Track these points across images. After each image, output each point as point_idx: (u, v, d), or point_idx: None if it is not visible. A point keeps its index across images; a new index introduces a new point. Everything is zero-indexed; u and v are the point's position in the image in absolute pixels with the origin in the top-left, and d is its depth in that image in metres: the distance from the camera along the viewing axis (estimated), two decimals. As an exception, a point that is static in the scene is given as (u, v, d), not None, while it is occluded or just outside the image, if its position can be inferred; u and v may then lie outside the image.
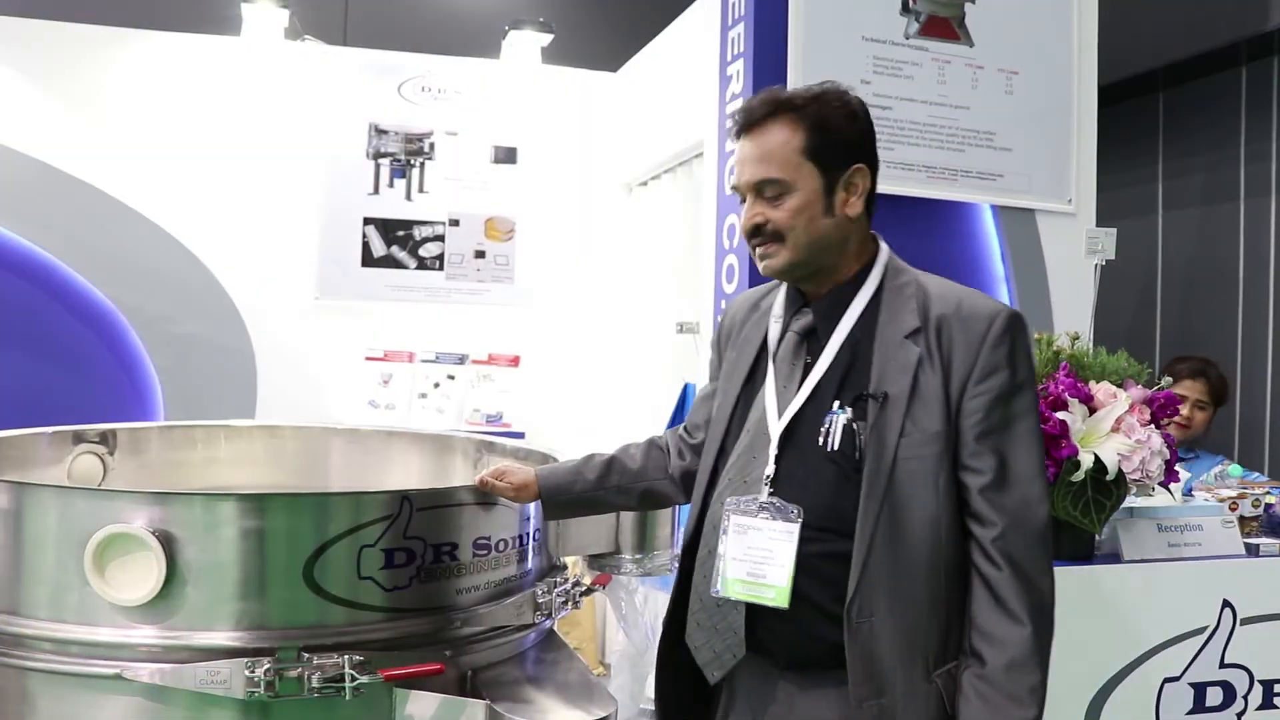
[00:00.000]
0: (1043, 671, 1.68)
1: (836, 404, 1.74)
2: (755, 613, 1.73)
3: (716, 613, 1.77)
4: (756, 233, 1.79)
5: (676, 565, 1.95)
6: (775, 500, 1.73)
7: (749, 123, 1.80)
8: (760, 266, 1.81)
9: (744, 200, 1.82)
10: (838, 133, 1.79)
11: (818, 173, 1.78)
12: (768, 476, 1.75)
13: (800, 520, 1.70)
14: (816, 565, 1.70)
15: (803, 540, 1.69)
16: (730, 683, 1.82)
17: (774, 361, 1.85)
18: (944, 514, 1.70)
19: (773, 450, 1.76)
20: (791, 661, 1.75)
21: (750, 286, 3.42)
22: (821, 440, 1.73)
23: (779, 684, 1.76)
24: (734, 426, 1.88)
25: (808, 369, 1.79)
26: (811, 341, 1.82)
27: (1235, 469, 3.28)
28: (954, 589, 1.71)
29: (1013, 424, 1.72)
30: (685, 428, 2.12)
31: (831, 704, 1.71)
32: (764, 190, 1.78)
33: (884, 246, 1.86)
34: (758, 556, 1.71)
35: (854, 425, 1.71)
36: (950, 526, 1.71)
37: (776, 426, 1.77)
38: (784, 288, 1.91)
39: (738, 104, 3.55)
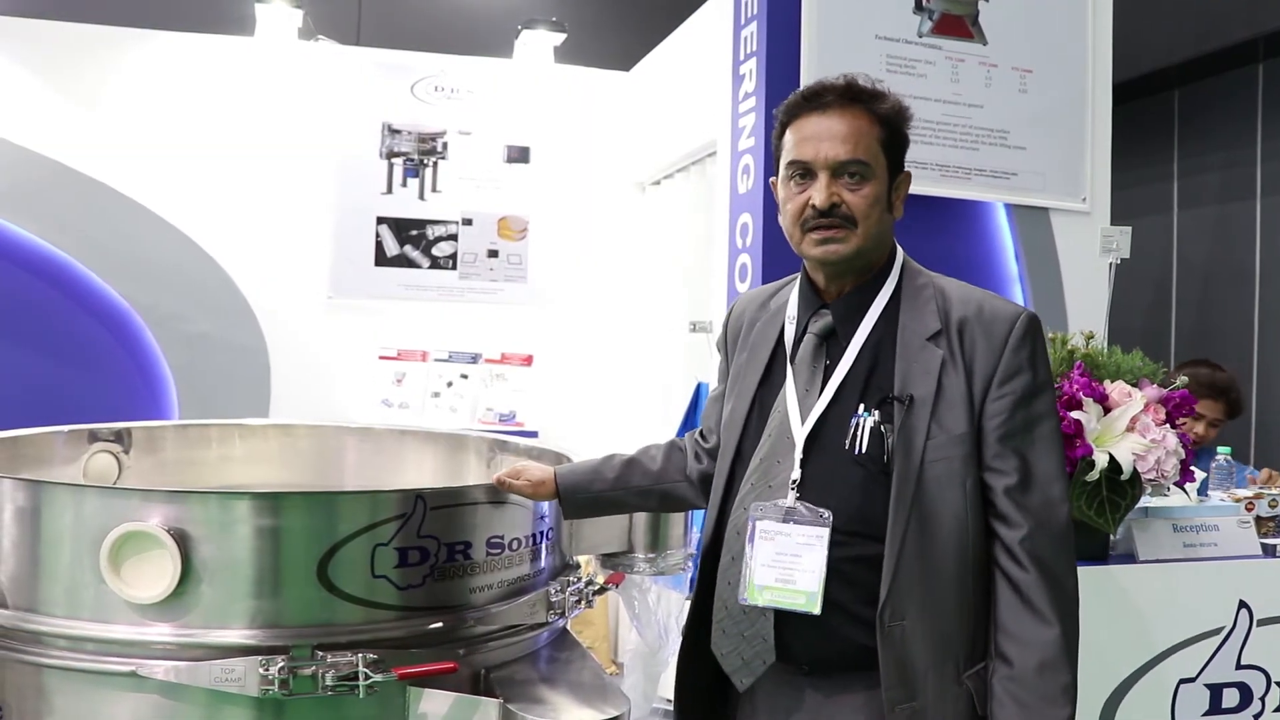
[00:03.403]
0: (1073, 671, 1.67)
1: (862, 406, 1.72)
2: (781, 618, 1.72)
3: (744, 619, 1.75)
4: (829, 213, 1.74)
5: (695, 572, 1.92)
6: (803, 505, 1.71)
7: (826, 102, 1.77)
8: (819, 251, 1.76)
9: (802, 177, 1.77)
10: (903, 135, 1.82)
11: (887, 168, 1.78)
12: (794, 481, 1.73)
13: (830, 524, 1.69)
14: (846, 569, 1.68)
15: (831, 544, 1.68)
16: (750, 689, 1.80)
17: (793, 364, 1.82)
18: (971, 515, 1.70)
19: (798, 454, 1.74)
20: (818, 666, 1.73)
21: (764, 283, 3.42)
22: (848, 443, 1.71)
23: (805, 690, 1.74)
24: (750, 430, 1.84)
25: (828, 371, 1.78)
26: (831, 343, 1.80)
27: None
28: (980, 591, 1.71)
29: (1034, 425, 1.72)
30: (700, 431, 2.10)
31: (859, 709, 1.70)
32: (845, 171, 1.74)
33: (899, 249, 1.86)
34: (786, 562, 1.69)
35: (882, 428, 1.70)
36: (976, 528, 1.71)
37: (801, 431, 1.75)
38: (796, 287, 1.89)
39: (750, 103, 3.57)
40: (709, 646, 1.82)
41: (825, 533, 1.68)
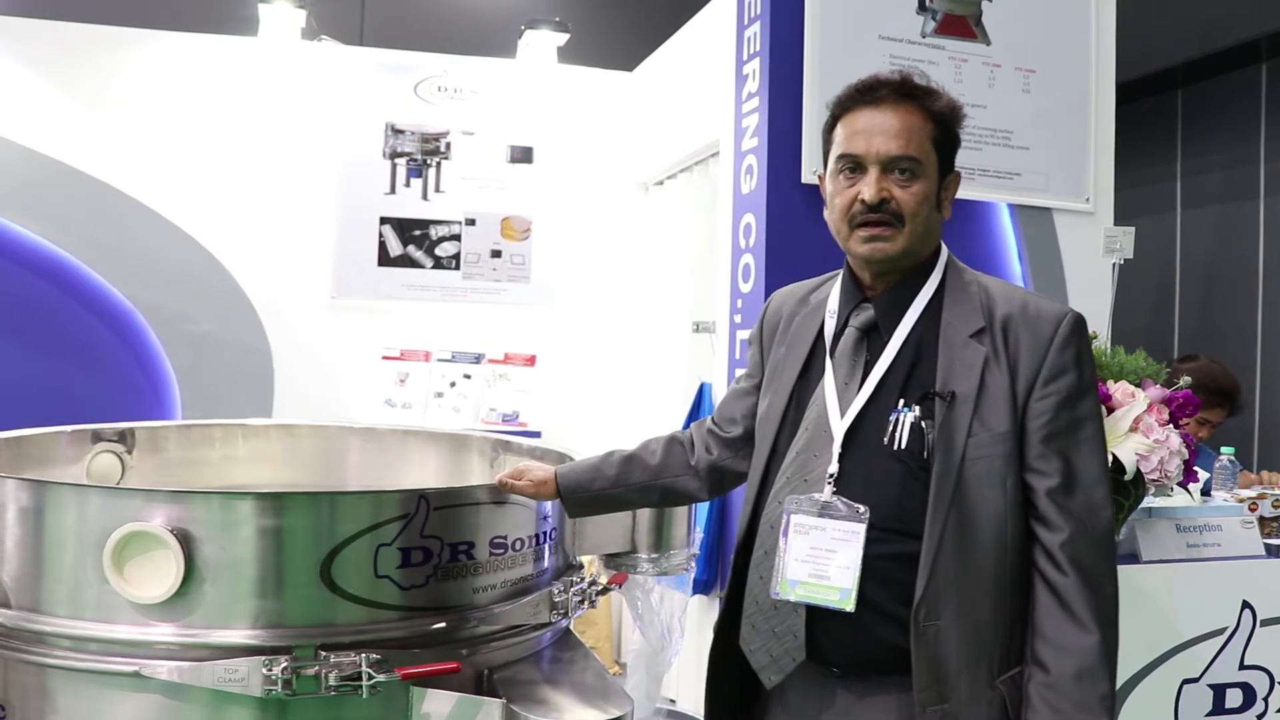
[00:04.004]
0: (1112, 680, 1.65)
1: (902, 402, 1.70)
2: (813, 615, 1.69)
3: (774, 615, 1.73)
4: (878, 208, 1.71)
5: (698, 569, 1.91)
6: (840, 499, 1.68)
7: (880, 96, 1.75)
8: (865, 249, 1.74)
9: (851, 171, 1.74)
10: (955, 135, 1.80)
11: (937, 166, 1.76)
12: (831, 475, 1.70)
13: (867, 520, 1.66)
14: (881, 566, 1.66)
15: (867, 541, 1.65)
16: (779, 688, 1.77)
17: (832, 358, 1.79)
18: (1010, 516, 1.67)
19: (836, 448, 1.71)
20: (849, 666, 1.71)
21: (767, 285, 3.43)
22: (887, 439, 1.69)
23: (836, 691, 1.72)
24: (788, 424, 1.82)
25: (869, 366, 1.75)
26: (872, 338, 1.77)
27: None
28: (1018, 593, 1.68)
29: (1079, 427, 1.69)
30: (715, 421, 2.07)
31: (890, 711, 1.68)
32: (896, 167, 1.72)
33: (944, 246, 1.84)
34: (821, 557, 1.66)
35: (922, 424, 1.67)
36: (1016, 529, 1.68)
37: (839, 425, 1.73)
38: (838, 281, 1.86)
39: (754, 103, 3.56)
40: (739, 643, 1.79)
41: (862, 529, 1.65)
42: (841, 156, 1.76)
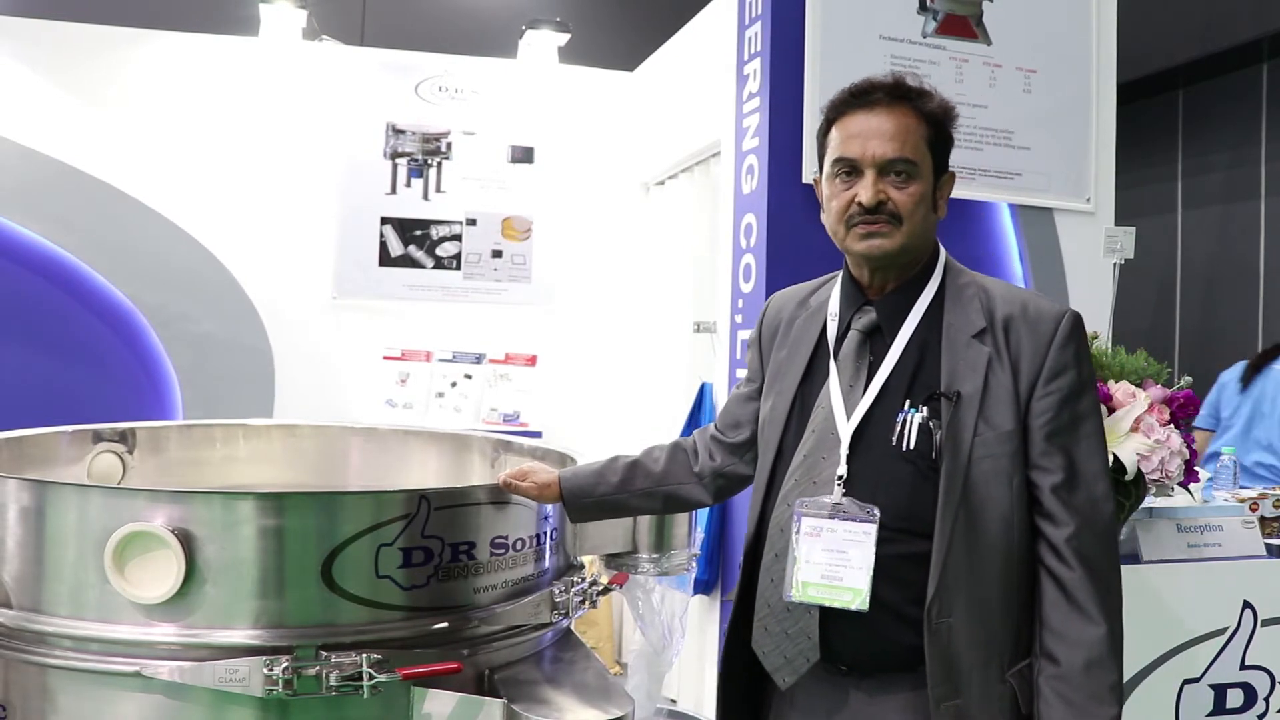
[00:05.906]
0: (1120, 669, 1.68)
1: (908, 403, 1.72)
2: (826, 616, 1.71)
3: (787, 617, 1.74)
4: (875, 210, 1.74)
5: (700, 570, 1.91)
6: (850, 500, 1.70)
7: (874, 100, 1.77)
8: (863, 246, 1.76)
9: (848, 175, 1.76)
10: (948, 135, 1.82)
11: (932, 167, 1.79)
12: (840, 477, 1.72)
13: (878, 520, 1.68)
14: (892, 566, 1.68)
15: (878, 541, 1.67)
16: (790, 687, 1.78)
17: (836, 360, 1.81)
18: (1016, 513, 1.70)
19: (844, 450, 1.74)
20: (861, 664, 1.73)
21: (768, 285, 3.43)
22: (895, 440, 1.71)
23: (847, 689, 1.74)
24: (792, 427, 1.84)
25: (873, 368, 1.77)
26: (875, 340, 1.79)
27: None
28: (1025, 588, 1.72)
29: (1080, 423, 1.72)
30: (717, 427, 2.08)
31: (902, 709, 1.70)
32: (892, 169, 1.74)
33: (942, 249, 1.86)
34: (833, 559, 1.68)
35: (930, 424, 1.70)
36: (1022, 525, 1.71)
37: (846, 427, 1.75)
38: (837, 284, 1.88)
39: (755, 103, 3.57)
40: (750, 644, 1.80)
41: (873, 529, 1.67)
42: (838, 160, 1.78)
